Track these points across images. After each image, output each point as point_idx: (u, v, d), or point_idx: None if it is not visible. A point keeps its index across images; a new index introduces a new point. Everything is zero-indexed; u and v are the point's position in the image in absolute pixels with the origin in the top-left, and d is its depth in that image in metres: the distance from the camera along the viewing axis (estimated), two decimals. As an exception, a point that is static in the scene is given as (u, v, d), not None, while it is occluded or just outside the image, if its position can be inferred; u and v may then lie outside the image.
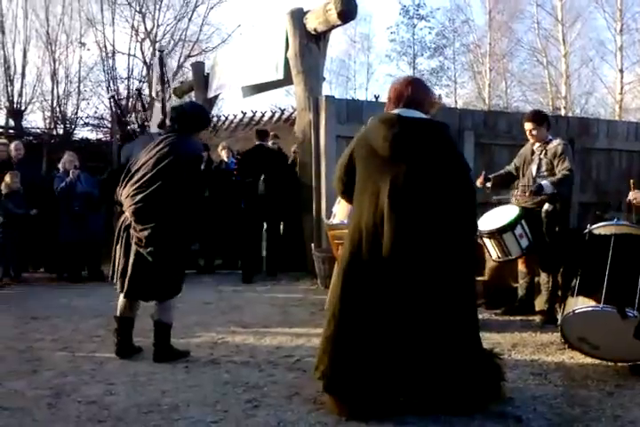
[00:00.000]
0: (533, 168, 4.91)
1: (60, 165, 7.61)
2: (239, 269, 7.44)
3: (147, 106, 10.52)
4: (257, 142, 7.47)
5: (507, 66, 23.34)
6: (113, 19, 14.77)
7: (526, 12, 22.35)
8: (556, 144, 4.83)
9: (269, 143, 7.59)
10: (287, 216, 7.59)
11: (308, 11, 7.37)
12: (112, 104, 12.50)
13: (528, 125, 4.92)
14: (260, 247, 7.73)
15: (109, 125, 11.93)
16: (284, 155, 7.76)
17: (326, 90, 17.45)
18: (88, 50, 14.32)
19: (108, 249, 4.21)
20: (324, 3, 6.88)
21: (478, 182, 5.01)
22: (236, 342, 4.33)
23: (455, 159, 2.99)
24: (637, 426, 2.80)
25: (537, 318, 4.83)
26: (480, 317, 3.11)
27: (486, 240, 4.72)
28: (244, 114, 13.68)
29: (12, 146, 7.72)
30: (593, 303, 3.48)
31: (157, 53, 9.61)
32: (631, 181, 4.26)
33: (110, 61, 14.04)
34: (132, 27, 15.46)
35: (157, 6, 16.20)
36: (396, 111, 3.03)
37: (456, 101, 24.66)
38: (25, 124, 12.94)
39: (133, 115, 10.94)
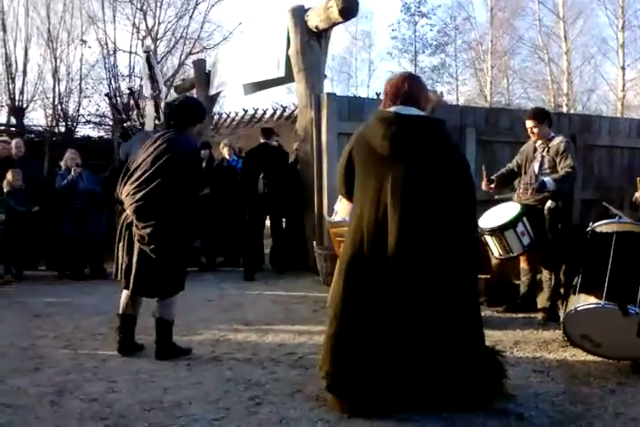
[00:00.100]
0: (536, 166, 4.90)
1: (61, 163, 7.62)
2: (241, 266, 7.44)
3: (140, 104, 10.54)
4: (262, 141, 7.47)
5: (508, 63, 23.33)
6: (114, 16, 14.76)
7: (528, 9, 22.36)
8: (558, 141, 4.82)
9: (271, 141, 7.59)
10: (289, 214, 7.60)
11: (310, 8, 7.35)
12: (108, 102, 12.51)
13: (529, 123, 4.92)
14: (261, 245, 7.75)
15: (111, 123, 11.93)
16: (284, 152, 7.76)
17: (328, 87, 17.46)
18: (89, 47, 14.33)
19: (111, 247, 4.22)
20: (325, 0, 6.87)
21: (483, 185, 5.02)
22: (239, 340, 4.33)
23: (454, 156, 2.99)
24: (639, 423, 2.80)
25: (539, 316, 4.83)
26: (482, 314, 3.10)
27: (488, 238, 4.72)
28: (246, 111, 13.68)
29: (13, 143, 7.73)
30: (595, 300, 3.48)
31: (144, 54, 9.62)
32: (638, 179, 4.26)
33: (111, 59, 14.03)
34: (134, 24, 15.46)
35: (158, 4, 16.21)
36: (393, 109, 3.02)
37: (457, 99, 24.66)
38: (27, 121, 12.96)
39: (130, 113, 10.96)
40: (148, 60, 9.18)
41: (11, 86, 13.08)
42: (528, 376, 3.43)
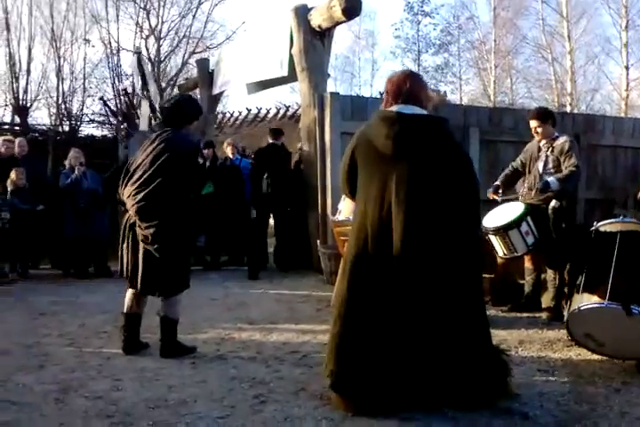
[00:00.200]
0: (540, 165, 4.90)
1: (65, 162, 7.64)
2: (245, 265, 7.45)
3: (136, 105, 10.55)
4: (270, 141, 7.48)
5: (512, 62, 23.31)
6: (117, 15, 14.78)
7: (531, 9, 22.34)
8: (562, 141, 4.82)
9: (279, 142, 7.59)
10: (293, 213, 7.60)
11: (313, 7, 7.36)
12: (102, 106, 12.54)
13: (533, 123, 4.92)
14: (265, 244, 7.75)
15: (120, 119, 11.93)
16: (288, 152, 7.77)
17: (331, 86, 17.53)
18: (93, 46, 14.36)
19: (114, 246, 4.23)
20: (328, -1, 6.88)
21: (490, 196, 5.01)
22: (243, 338, 4.34)
23: (458, 155, 2.99)
24: (645, 423, 2.80)
25: (543, 315, 4.82)
26: (487, 313, 3.09)
27: (492, 237, 4.72)
28: (249, 111, 13.70)
29: (16, 142, 7.74)
30: (598, 300, 3.48)
31: (134, 55, 9.65)
32: None
33: (115, 58, 14.05)
34: (137, 23, 15.49)
35: (162, 3, 16.22)
36: (395, 108, 3.01)
37: (461, 98, 24.64)
38: (30, 120, 12.98)
39: (133, 112, 10.96)
40: (138, 60, 9.20)
41: (15, 85, 13.11)
42: (533, 376, 3.43)
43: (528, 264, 5.05)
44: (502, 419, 2.79)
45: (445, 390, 2.84)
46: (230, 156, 8.19)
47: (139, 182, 3.74)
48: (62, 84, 13.52)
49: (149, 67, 14.05)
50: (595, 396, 3.11)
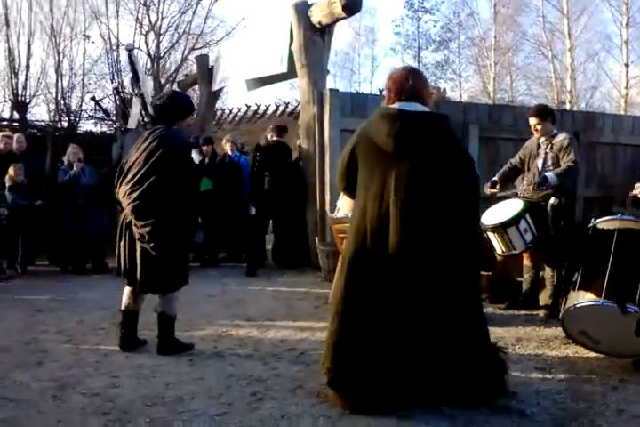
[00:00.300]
0: (539, 162, 4.90)
1: (64, 158, 7.63)
2: (243, 262, 7.45)
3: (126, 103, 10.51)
4: (275, 138, 7.46)
5: (512, 59, 23.30)
6: (117, 11, 14.69)
7: (531, 6, 22.33)
8: (561, 138, 4.82)
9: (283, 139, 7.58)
10: (291, 210, 7.59)
11: (313, 3, 7.33)
12: (94, 104, 12.50)
13: (532, 120, 4.91)
14: (264, 241, 7.75)
15: (114, 119, 11.91)
16: (287, 148, 7.75)
17: (330, 83, 17.49)
18: (92, 42, 14.28)
19: (112, 242, 4.22)
20: (328, -5, 6.85)
21: (488, 190, 5.00)
22: (240, 336, 4.34)
23: (459, 152, 2.99)
24: (641, 421, 2.80)
25: (541, 313, 4.83)
26: (484, 311, 3.09)
27: (490, 234, 4.71)
28: (249, 107, 13.69)
29: (15, 138, 7.73)
30: (594, 298, 3.48)
31: (126, 52, 9.61)
32: None
33: (115, 54, 14.00)
34: (137, 19, 15.41)
35: (162, -1, 16.14)
36: (397, 105, 3.00)
37: (461, 95, 24.62)
38: (29, 116, 12.92)
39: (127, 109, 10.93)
40: (130, 57, 9.18)
41: (14, 81, 13.06)
42: (530, 373, 3.43)
43: (526, 262, 5.05)
44: (500, 417, 2.80)
45: (443, 388, 2.85)
46: (229, 152, 8.18)
47: (133, 181, 3.73)
48: (61, 80, 13.47)
49: (148, 63, 14.05)
50: (592, 394, 3.11)
